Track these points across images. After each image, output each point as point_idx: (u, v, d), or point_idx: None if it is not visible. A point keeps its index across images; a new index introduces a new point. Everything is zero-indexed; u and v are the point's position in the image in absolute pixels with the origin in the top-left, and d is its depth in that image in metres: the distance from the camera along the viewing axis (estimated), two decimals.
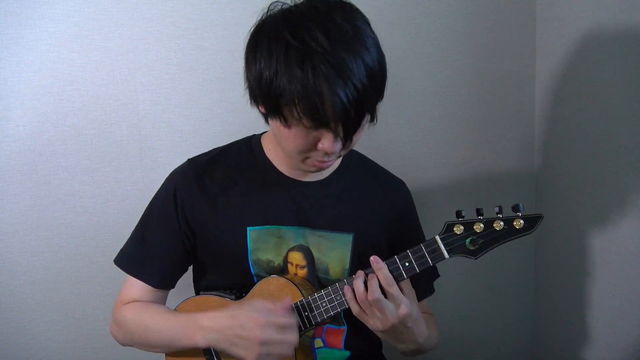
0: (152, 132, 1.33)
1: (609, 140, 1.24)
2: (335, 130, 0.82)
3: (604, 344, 1.30)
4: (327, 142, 0.84)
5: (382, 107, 1.42)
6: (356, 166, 1.08)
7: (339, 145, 0.85)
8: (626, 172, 1.19)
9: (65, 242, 1.32)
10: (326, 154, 0.87)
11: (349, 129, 0.83)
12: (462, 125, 1.50)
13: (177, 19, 1.30)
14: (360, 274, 0.90)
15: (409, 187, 1.14)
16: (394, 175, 1.13)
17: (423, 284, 1.11)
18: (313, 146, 0.86)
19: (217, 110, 1.35)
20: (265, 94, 0.83)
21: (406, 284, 0.91)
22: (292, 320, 0.90)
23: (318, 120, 0.80)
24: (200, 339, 0.92)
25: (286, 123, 0.84)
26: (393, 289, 0.87)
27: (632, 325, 1.20)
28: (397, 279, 0.89)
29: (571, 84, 1.36)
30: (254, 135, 1.09)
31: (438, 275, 1.16)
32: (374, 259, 0.88)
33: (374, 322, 0.89)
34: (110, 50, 1.28)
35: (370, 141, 1.41)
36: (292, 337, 0.89)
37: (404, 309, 0.86)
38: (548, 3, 1.44)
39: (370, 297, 0.86)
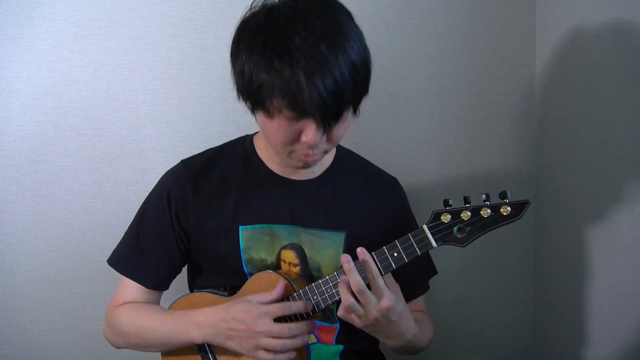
0: (152, 132, 1.33)
1: (609, 140, 1.23)
2: (315, 121, 0.82)
3: (604, 344, 1.29)
4: (309, 133, 0.84)
5: (382, 107, 1.45)
6: (349, 165, 1.08)
7: (321, 137, 0.85)
8: (626, 172, 1.19)
9: (65, 242, 1.32)
10: (310, 147, 0.87)
11: (329, 119, 0.83)
12: (462, 125, 1.50)
13: (177, 19, 1.30)
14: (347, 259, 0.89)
15: (409, 187, 1.13)
16: (387, 174, 1.13)
17: (419, 281, 1.11)
18: (296, 139, 0.87)
19: (217, 110, 1.35)
20: (247, 87, 0.84)
21: (389, 278, 0.91)
22: (289, 307, 0.91)
23: (297, 110, 0.81)
24: (197, 335, 0.93)
25: (269, 115, 0.85)
26: (377, 281, 0.86)
27: (632, 325, 1.20)
28: (386, 269, 0.89)
29: (571, 83, 1.36)
30: (247, 135, 1.09)
31: (436, 272, 1.15)
32: (360, 250, 0.87)
33: (357, 318, 0.88)
34: (110, 50, 1.28)
35: (370, 141, 1.43)
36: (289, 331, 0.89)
37: (386, 302, 0.84)
38: (548, 3, 1.44)
39: (354, 288, 0.85)
